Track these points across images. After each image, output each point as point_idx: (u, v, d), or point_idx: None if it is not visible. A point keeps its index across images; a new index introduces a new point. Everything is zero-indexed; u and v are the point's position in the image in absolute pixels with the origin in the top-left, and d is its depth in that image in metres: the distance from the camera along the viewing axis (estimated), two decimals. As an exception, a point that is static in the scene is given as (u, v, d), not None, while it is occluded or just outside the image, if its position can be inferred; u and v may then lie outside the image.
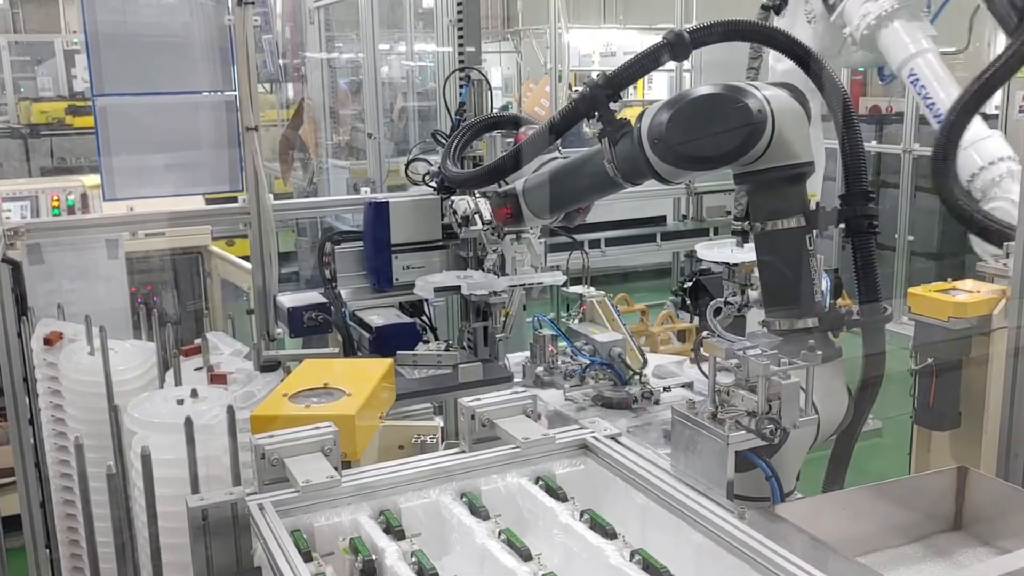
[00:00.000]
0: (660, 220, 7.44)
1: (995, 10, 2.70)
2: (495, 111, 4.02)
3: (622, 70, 2.34)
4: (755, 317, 2.90)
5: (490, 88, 3.88)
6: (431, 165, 4.01)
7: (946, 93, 3.16)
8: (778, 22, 3.73)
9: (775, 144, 2.03)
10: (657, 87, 12.03)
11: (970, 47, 4.10)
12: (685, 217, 7.26)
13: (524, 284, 3.35)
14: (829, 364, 2.09)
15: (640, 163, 2.20)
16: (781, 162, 2.06)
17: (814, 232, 2.10)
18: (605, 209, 8.06)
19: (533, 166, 2.99)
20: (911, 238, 7.45)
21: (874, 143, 7.91)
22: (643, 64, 2.30)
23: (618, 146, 2.30)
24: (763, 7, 3.74)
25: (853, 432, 2.26)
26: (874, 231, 2.18)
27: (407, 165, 4.08)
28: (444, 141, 3.91)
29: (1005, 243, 3.59)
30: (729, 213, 7.27)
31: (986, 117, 7.79)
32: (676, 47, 2.21)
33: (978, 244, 2.98)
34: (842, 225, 2.20)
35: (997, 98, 7.82)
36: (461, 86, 3.88)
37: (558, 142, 2.76)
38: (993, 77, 2.66)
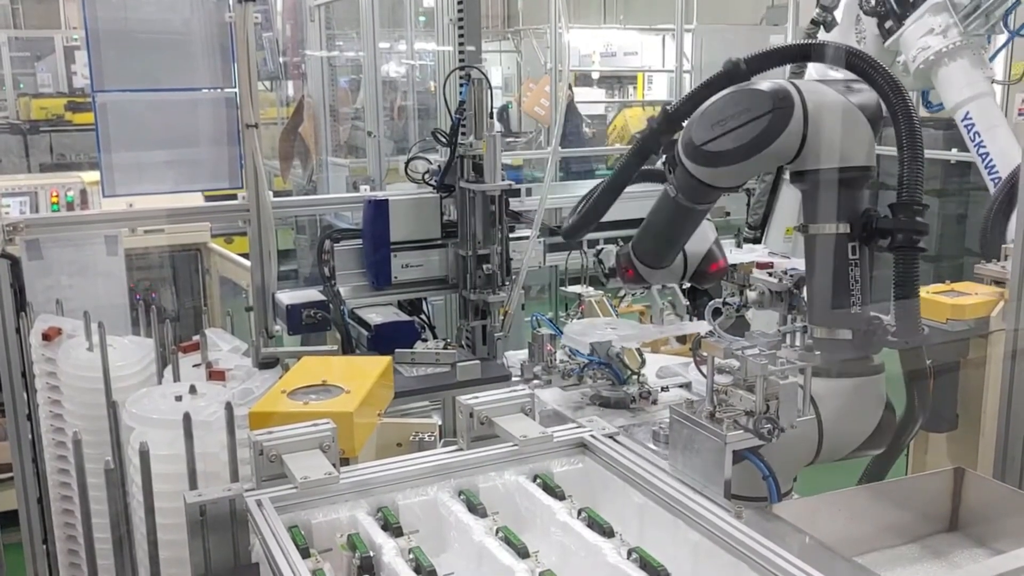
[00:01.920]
0: (659, 220, 7.43)
1: None
2: (494, 110, 4.02)
3: (680, 104, 2.27)
4: (754, 317, 2.89)
5: (491, 87, 3.88)
6: (431, 163, 4.02)
7: (1000, 144, 3.11)
8: (826, 38, 3.70)
9: (815, 141, 1.96)
10: (657, 87, 12.04)
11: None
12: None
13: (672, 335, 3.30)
14: (851, 380, 2.02)
15: (688, 177, 2.15)
16: (827, 164, 1.98)
17: (858, 242, 2.01)
18: (604, 209, 8.07)
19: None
20: (910, 240, 7.44)
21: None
22: (700, 94, 2.20)
23: (676, 170, 2.22)
24: (812, 22, 3.66)
25: (892, 456, 2.22)
26: (919, 247, 2.06)
27: (407, 163, 4.09)
28: (444, 140, 3.92)
29: (1004, 247, 3.60)
30: (728, 214, 7.26)
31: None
32: (734, 76, 2.13)
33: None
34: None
35: (997, 99, 7.84)
36: (461, 85, 3.88)
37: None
38: None
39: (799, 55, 2.50)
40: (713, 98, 2.09)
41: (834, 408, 1.99)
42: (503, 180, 3.81)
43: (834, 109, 1.98)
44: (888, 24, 3.35)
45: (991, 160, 3.16)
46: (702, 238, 2.73)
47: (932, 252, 7.84)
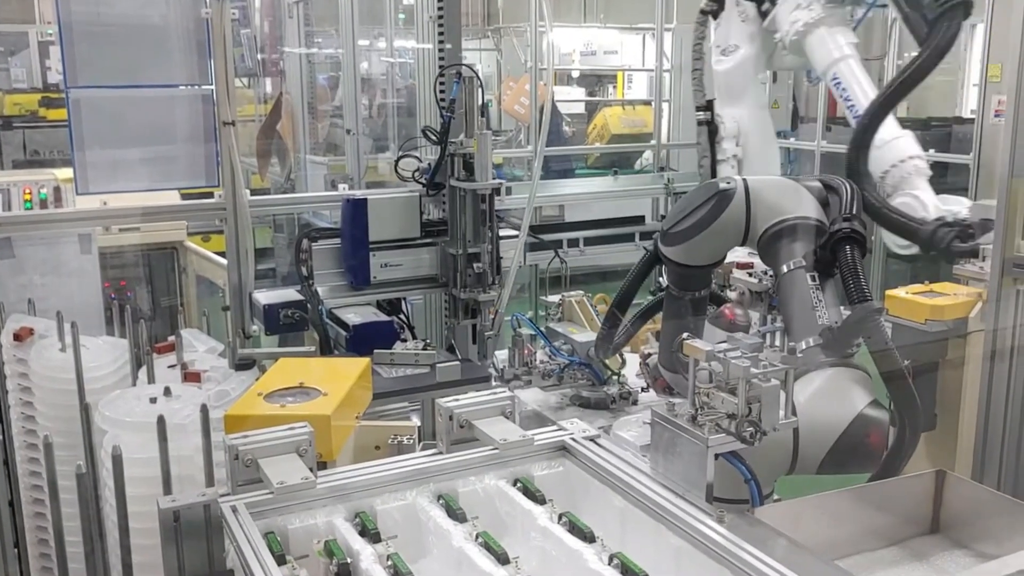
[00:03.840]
0: (639, 220, 7.45)
1: (907, 21, 2.92)
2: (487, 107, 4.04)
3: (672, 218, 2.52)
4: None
5: (481, 86, 3.87)
6: (420, 161, 4.00)
7: (865, 96, 3.35)
8: (716, 26, 3.85)
9: (759, 208, 2.31)
10: (637, 86, 12.05)
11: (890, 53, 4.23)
12: (663, 217, 7.28)
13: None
14: (824, 369, 2.12)
15: (667, 262, 2.48)
16: (774, 219, 2.31)
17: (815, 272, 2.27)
18: (583, 209, 8.08)
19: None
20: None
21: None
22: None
23: (664, 266, 2.59)
24: (702, 11, 3.87)
25: (897, 457, 2.23)
26: (853, 239, 2.28)
27: (396, 161, 4.07)
28: (434, 137, 3.91)
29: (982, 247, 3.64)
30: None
31: (962, 121, 7.91)
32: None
33: (888, 237, 3.17)
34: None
35: (973, 102, 7.88)
36: (454, 83, 3.86)
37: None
38: (903, 83, 2.89)
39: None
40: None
41: (805, 393, 2.08)
42: (493, 179, 3.80)
43: (774, 184, 2.41)
44: (764, 6, 3.65)
45: (857, 111, 3.39)
46: None
47: (908, 253, 7.88)
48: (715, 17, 3.80)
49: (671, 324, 2.65)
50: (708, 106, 3.66)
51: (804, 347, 2.16)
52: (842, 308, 2.27)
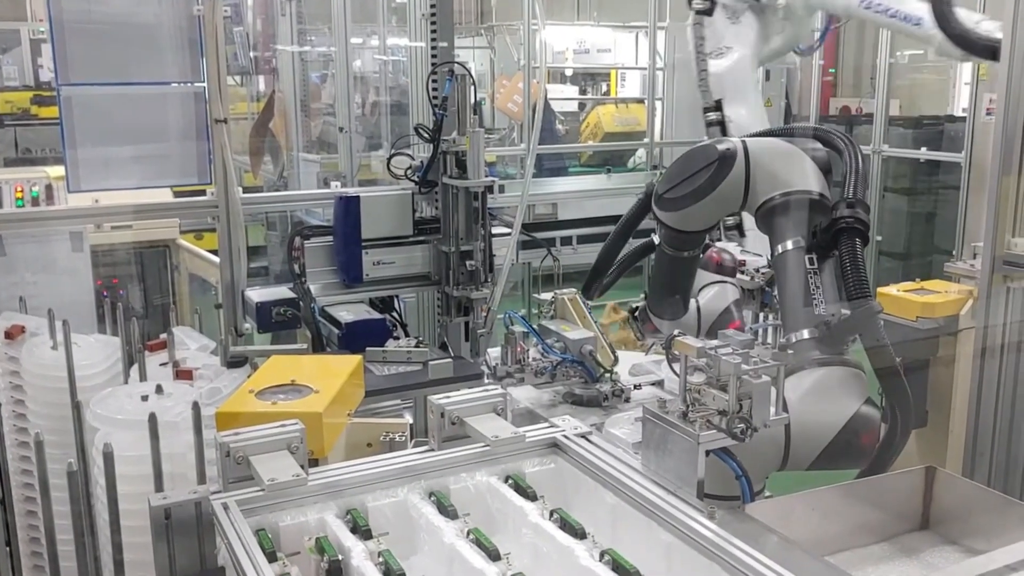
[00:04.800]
0: (632, 218, 7.44)
1: None
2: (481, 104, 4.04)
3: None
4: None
5: (474, 83, 3.87)
6: (413, 159, 4.00)
7: (910, 3, 3.60)
8: (710, 24, 3.88)
9: (759, 176, 2.19)
10: (630, 85, 12.05)
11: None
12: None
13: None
14: (818, 368, 2.06)
15: (661, 226, 2.42)
16: (774, 191, 2.19)
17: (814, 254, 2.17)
18: (576, 207, 8.08)
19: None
20: (879, 238, 7.52)
21: (843, 144, 7.97)
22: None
23: (657, 224, 2.50)
24: (697, 11, 3.90)
25: (888, 453, 2.19)
26: (856, 230, 2.16)
27: (389, 159, 4.07)
28: (427, 135, 3.91)
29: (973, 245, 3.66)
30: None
31: (954, 119, 7.94)
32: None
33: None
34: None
35: (965, 101, 7.91)
36: (447, 80, 3.86)
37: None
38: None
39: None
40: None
41: (799, 392, 2.01)
42: (486, 176, 3.81)
43: (776, 149, 2.25)
44: None
45: (902, 13, 3.66)
46: (721, 297, 2.85)
47: (901, 250, 7.92)
48: (709, 15, 3.83)
49: (659, 274, 2.65)
50: (717, 106, 3.67)
51: (797, 339, 2.11)
52: (840, 307, 2.19)
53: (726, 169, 2.19)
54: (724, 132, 3.66)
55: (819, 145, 2.27)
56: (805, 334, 2.10)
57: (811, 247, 2.16)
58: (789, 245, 2.15)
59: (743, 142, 2.22)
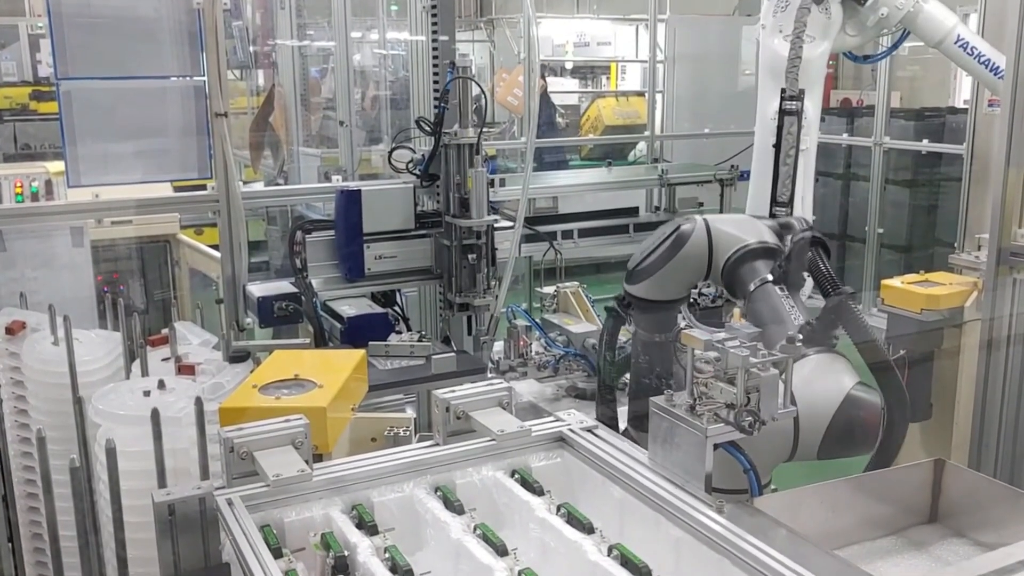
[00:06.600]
0: (633, 211, 7.43)
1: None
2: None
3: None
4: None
5: (479, 85, 3.85)
6: (414, 152, 3.98)
7: (991, 49, 3.87)
8: (779, 9, 3.87)
9: (720, 239, 2.47)
10: (630, 78, 12.03)
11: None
12: (658, 208, 7.27)
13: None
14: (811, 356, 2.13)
15: (635, 302, 2.65)
16: (736, 247, 2.46)
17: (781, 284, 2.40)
18: (577, 200, 8.06)
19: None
20: (881, 230, 7.50)
21: (845, 136, 7.96)
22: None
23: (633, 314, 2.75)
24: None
25: (890, 445, 2.25)
26: (816, 239, 2.48)
27: (390, 153, 4.04)
28: (428, 128, 3.88)
29: (977, 236, 3.64)
30: (702, 204, 7.28)
31: (955, 111, 7.91)
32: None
33: None
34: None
35: (966, 92, 7.88)
36: (448, 73, 3.83)
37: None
38: None
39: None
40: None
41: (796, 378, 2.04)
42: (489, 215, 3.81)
43: (732, 218, 2.62)
44: None
45: (992, 62, 3.90)
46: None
47: (902, 242, 7.89)
48: (819, 3, 3.81)
49: (639, 372, 2.76)
50: (801, 95, 3.54)
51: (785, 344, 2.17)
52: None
53: (686, 236, 2.48)
54: (799, 123, 3.51)
55: (770, 221, 2.60)
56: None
57: (777, 280, 2.39)
58: (758, 282, 2.39)
59: (703, 219, 2.54)
